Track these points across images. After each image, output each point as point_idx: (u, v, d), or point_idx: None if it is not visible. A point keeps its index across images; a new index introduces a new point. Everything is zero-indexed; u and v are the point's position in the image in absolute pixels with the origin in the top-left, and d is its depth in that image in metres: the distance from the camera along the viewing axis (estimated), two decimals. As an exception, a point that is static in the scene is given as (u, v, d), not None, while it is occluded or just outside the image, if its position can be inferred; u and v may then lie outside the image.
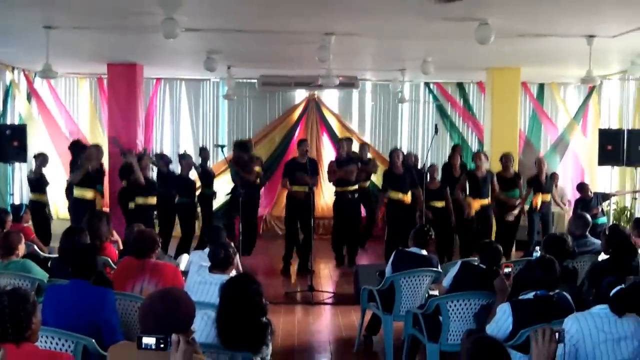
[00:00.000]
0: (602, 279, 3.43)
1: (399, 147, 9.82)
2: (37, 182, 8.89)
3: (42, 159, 8.96)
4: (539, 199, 8.97)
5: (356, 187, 9.07)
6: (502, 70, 9.92)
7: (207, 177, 9.35)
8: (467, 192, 8.88)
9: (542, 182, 8.93)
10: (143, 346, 2.37)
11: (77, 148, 8.96)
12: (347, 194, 8.93)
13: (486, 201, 8.71)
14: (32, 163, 9.12)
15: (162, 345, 2.36)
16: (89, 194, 8.27)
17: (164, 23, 5.98)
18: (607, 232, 5.40)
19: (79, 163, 8.36)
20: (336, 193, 9.09)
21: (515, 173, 9.15)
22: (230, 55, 8.90)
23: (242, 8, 5.99)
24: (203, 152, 9.55)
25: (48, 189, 9.07)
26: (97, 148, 8.62)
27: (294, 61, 9.56)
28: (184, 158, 9.23)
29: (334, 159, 9.64)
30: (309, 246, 8.20)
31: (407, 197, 8.59)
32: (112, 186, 9.63)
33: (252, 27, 6.86)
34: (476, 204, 8.64)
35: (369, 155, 10.51)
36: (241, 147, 8.96)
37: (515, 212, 8.89)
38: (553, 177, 9.36)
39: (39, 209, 8.77)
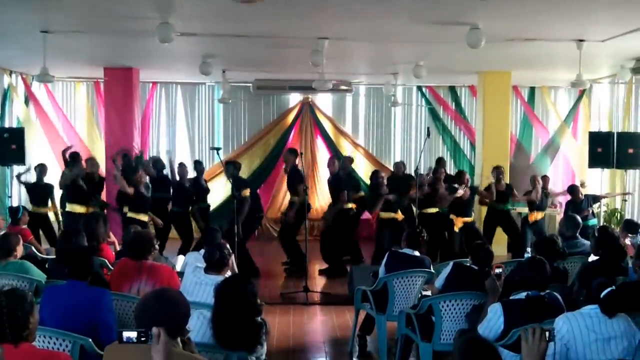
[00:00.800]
0: (593, 279, 3.45)
1: (378, 170, 9.68)
2: (37, 193, 8.79)
3: (40, 168, 8.88)
4: (533, 216, 8.94)
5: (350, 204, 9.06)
6: (493, 74, 10.00)
7: (202, 192, 9.29)
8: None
9: (537, 200, 8.91)
10: (124, 340, 2.41)
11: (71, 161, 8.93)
12: (347, 210, 8.93)
13: (470, 219, 8.68)
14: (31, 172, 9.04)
15: (143, 339, 2.41)
16: (79, 208, 8.31)
17: (159, 27, 6.03)
18: (596, 234, 5.46)
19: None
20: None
21: (507, 185, 9.17)
22: (225, 59, 8.94)
23: (236, 12, 6.02)
24: (198, 166, 9.43)
25: (52, 197, 8.97)
26: (90, 161, 8.77)
27: (288, 65, 9.61)
28: (181, 167, 9.18)
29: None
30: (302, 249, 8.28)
31: (399, 215, 8.52)
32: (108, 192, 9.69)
33: (247, 32, 6.90)
34: (459, 222, 8.60)
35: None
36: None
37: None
38: (544, 180, 9.40)
39: (41, 221, 8.67)
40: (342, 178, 9.21)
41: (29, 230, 7.35)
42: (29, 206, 8.65)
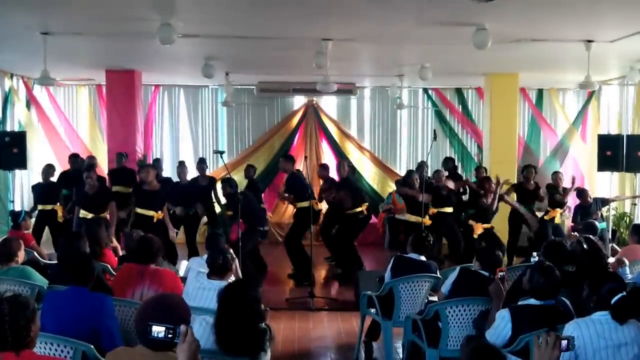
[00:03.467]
0: (603, 284, 3.39)
1: (412, 169, 9.23)
2: (47, 192, 8.78)
3: (46, 169, 8.90)
4: (556, 213, 8.90)
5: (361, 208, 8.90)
6: (500, 75, 9.92)
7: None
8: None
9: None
10: (153, 335, 2.39)
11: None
12: (357, 214, 8.80)
13: (489, 225, 8.58)
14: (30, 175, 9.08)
15: (170, 336, 2.39)
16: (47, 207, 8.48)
17: (161, 29, 5.99)
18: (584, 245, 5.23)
19: None
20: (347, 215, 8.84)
21: (536, 184, 9.11)
22: (228, 61, 8.91)
23: (238, 14, 5.99)
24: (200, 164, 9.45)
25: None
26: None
27: (291, 67, 9.56)
28: (182, 166, 9.11)
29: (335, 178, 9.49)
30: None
31: (427, 220, 8.31)
32: None
33: (249, 33, 6.85)
34: (479, 228, 8.52)
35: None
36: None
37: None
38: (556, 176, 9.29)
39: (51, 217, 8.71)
40: (353, 181, 9.07)
41: (31, 234, 7.29)
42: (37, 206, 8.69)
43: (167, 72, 10.42)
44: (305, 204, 8.35)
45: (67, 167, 9.70)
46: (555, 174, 9.13)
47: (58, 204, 8.74)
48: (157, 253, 4.66)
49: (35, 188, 8.92)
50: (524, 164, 11.06)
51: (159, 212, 7.79)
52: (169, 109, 12.20)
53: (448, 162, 10.51)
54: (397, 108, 11.79)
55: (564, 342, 2.60)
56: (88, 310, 3.76)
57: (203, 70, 8.56)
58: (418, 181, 8.38)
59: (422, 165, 9.28)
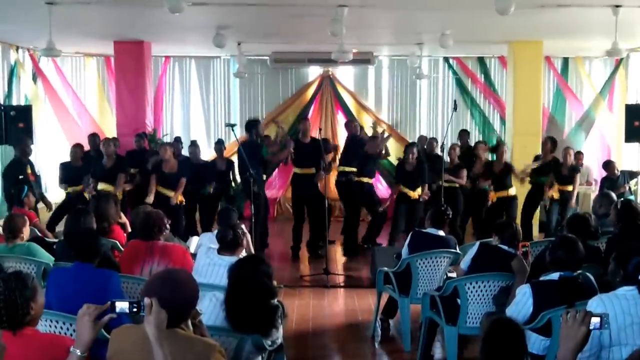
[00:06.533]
0: (624, 255, 3.26)
1: (416, 142, 9.31)
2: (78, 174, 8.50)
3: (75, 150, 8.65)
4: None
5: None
6: (524, 43, 9.60)
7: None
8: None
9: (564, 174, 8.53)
10: (117, 310, 2.43)
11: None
12: (346, 173, 8.69)
13: (505, 193, 8.46)
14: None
15: (135, 309, 2.42)
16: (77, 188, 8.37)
17: (169, -4, 5.83)
18: (618, 207, 5.24)
19: None
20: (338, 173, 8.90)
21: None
22: (240, 30, 8.72)
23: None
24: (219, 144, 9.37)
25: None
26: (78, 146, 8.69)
27: (306, 36, 9.36)
28: (194, 146, 8.99)
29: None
30: (318, 229, 8.11)
31: (415, 194, 8.35)
32: None
33: (262, 0, 6.65)
34: (493, 196, 8.49)
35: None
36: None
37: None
38: (578, 157, 9.03)
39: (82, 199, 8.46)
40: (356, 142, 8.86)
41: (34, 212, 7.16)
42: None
43: (178, 43, 10.24)
44: (309, 170, 8.49)
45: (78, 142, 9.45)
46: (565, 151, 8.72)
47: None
48: (161, 228, 4.59)
49: (66, 168, 8.62)
50: (548, 136, 10.78)
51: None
52: (179, 81, 12.02)
53: (464, 136, 10.19)
54: (417, 78, 11.51)
55: (596, 320, 2.40)
56: (94, 287, 3.70)
57: (214, 40, 8.39)
58: (414, 155, 8.29)
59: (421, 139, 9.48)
